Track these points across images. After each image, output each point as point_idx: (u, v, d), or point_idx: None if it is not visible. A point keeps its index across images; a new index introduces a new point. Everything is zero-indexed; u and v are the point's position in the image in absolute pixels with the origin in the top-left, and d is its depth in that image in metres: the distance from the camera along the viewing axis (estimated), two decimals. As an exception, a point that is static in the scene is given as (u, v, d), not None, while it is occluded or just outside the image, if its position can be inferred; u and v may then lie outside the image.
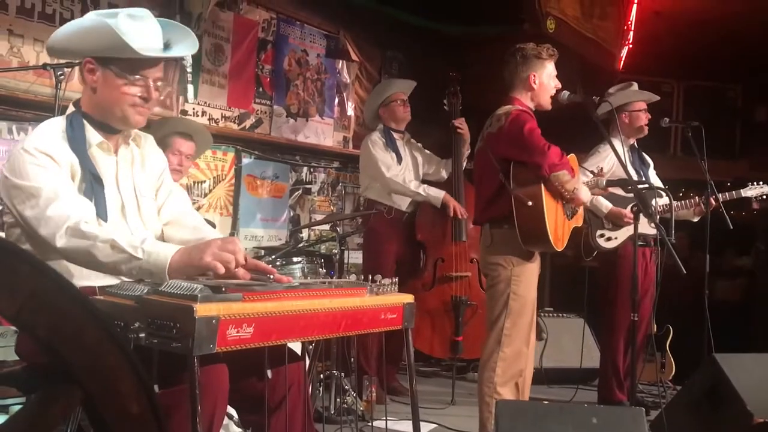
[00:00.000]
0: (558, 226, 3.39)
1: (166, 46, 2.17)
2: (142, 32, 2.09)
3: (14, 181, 2.00)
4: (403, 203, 4.73)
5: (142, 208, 2.24)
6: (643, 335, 4.38)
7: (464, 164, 4.88)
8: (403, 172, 4.71)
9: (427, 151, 4.96)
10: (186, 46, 2.21)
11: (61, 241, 1.92)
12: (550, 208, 3.31)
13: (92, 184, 2.08)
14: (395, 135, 4.77)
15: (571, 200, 3.42)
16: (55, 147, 2.05)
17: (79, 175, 2.08)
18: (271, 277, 2.02)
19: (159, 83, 2.17)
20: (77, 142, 2.10)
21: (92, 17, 2.12)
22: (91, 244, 1.91)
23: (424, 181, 4.89)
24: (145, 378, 0.97)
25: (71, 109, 2.19)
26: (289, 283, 2.01)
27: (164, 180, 2.38)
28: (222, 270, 1.87)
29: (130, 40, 2.03)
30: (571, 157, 3.60)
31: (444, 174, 4.93)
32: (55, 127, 2.12)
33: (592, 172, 4.07)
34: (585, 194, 3.45)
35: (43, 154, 2.01)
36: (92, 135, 2.15)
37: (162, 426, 0.98)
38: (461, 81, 5.02)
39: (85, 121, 2.15)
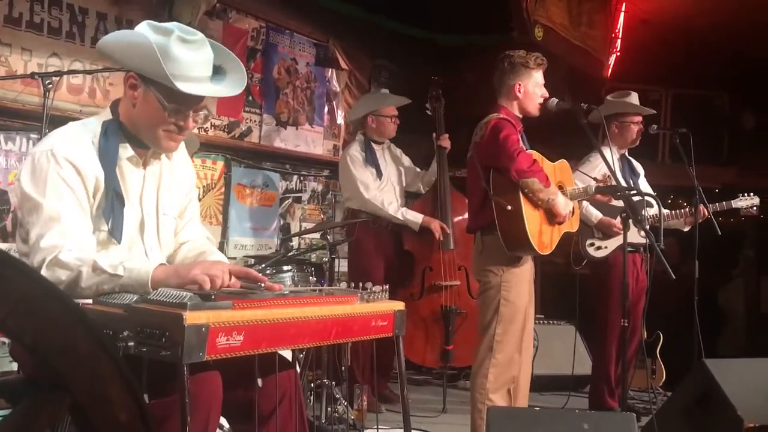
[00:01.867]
0: (543, 231, 3.38)
1: (217, 70, 2.09)
2: (192, 61, 1.99)
3: (26, 189, 1.95)
4: None
5: (161, 227, 2.20)
6: (635, 342, 4.38)
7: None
8: (384, 186, 4.67)
9: (406, 159, 4.93)
10: (233, 83, 2.12)
11: (45, 273, 1.88)
12: (530, 212, 3.30)
13: (113, 202, 2.02)
14: (375, 146, 4.74)
15: (549, 210, 3.37)
16: (83, 158, 1.99)
17: (102, 192, 2.02)
18: (262, 285, 2.02)
19: (200, 113, 2.11)
20: (107, 155, 2.04)
21: (142, 31, 2.01)
22: (71, 272, 1.88)
23: (406, 194, 4.86)
24: (135, 386, 0.96)
25: (108, 114, 2.12)
26: (279, 291, 2.01)
27: (192, 199, 2.34)
28: (208, 285, 1.88)
29: (174, 70, 1.95)
30: (561, 163, 3.61)
31: (421, 186, 4.90)
32: (87, 133, 2.05)
33: (595, 178, 4.03)
34: (562, 205, 3.37)
35: (69, 164, 1.96)
36: (124, 148, 2.09)
37: (151, 434, 0.98)
38: (451, 89, 5.01)
39: (120, 132, 2.09)
